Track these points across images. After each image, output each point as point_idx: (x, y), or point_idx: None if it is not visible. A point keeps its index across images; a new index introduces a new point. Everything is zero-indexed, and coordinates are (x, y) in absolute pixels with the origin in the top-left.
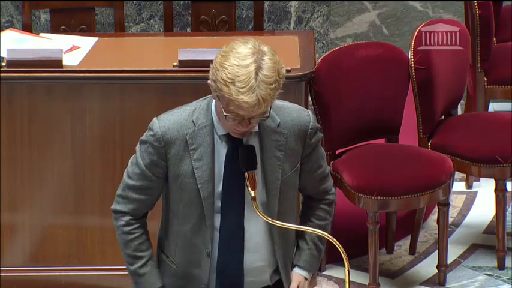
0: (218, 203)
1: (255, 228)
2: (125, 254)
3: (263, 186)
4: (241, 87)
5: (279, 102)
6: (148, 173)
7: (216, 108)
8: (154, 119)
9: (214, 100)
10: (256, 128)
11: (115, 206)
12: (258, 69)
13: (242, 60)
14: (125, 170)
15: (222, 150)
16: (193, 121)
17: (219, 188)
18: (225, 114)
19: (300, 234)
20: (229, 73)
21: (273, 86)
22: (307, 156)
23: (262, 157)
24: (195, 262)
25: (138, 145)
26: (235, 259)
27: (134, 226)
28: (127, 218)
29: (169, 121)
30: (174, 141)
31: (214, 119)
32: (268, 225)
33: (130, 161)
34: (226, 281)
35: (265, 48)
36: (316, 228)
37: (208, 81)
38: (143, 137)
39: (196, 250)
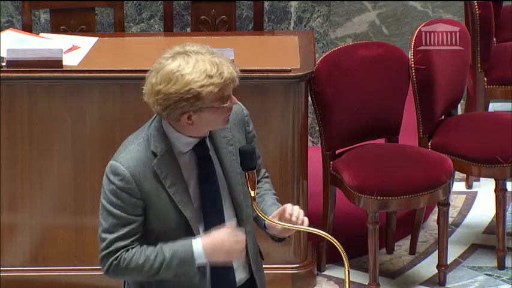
0: (200, 215)
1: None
2: (146, 270)
3: (225, 183)
4: (217, 71)
5: None
6: (129, 217)
7: (206, 120)
8: (114, 163)
9: (164, 125)
10: None
11: (104, 258)
12: (199, 54)
13: (187, 64)
14: (99, 231)
15: (187, 166)
16: (153, 151)
17: (196, 203)
18: (225, 105)
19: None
20: (199, 78)
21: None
22: (251, 142)
23: (218, 156)
24: (189, 283)
25: (103, 199)
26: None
27: (133, 247)
28: (122, 250)
29: (131, 159)
30: (143, 177)
31: (172, 141)
32: (238, 222)
33: (101, 219)
34: (221, 286)
35: (176, 48)
36: (271, 195)
37: (186, 117)
38: (108, 187)
39: (190, 271)
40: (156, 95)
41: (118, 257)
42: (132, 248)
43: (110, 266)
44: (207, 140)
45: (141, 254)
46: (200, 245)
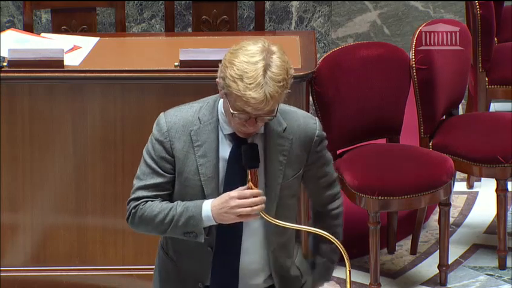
0: None
1: (252, 228)
2: (158, 222)
3: (263, 189)
4: (249, 83)
5: (286, 107)
6: (158, 170)
7: (224, 106)
8: (161, 114)
9: (221, 99)
10: (262, 130)
11: (128, 204)
12: (267, 66)
13: (251, 57)
14: (134, 178)
15: (226, 149)
16: (199, 118)
17: (222, 187)
18: (232, 111)
19: (314, 251)
20: (237, 69)
21: (281, 84)
22: (312, 163)
23: (265, 160)
24: (195, 260)
25: (147, 144)
26: (232, 257)
27: (154, 201)
28: (142, 200)
29: (176, 116)
30: (179, 136)
31: (220, 116)
32: (265, 228)
33: (139, 166)
34: (222, 280)
35: (274, 48)
36: (329, 244)
37: (217, 80)
38: (151, 135)
39: (198, 248)
40: None
41: (137, 206)
42: (152, 201)
43: (130, 214)
44: (257, 137)
45: (157, 206)
46: (210, 202)
